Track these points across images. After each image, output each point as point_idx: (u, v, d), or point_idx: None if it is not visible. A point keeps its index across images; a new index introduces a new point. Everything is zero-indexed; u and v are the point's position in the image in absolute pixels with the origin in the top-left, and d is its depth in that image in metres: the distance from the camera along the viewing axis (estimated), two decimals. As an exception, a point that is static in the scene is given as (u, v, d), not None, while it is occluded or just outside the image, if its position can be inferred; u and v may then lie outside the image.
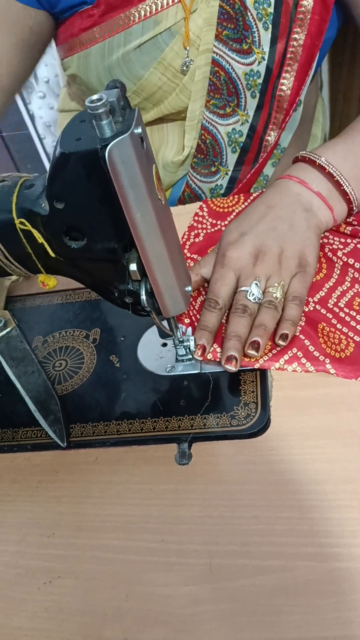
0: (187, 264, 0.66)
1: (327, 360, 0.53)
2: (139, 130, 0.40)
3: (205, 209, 0.74)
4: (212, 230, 0.71)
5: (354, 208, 0.65)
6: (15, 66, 0.82)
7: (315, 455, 0.48)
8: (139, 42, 0.75)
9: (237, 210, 0.73)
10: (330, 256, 0.64)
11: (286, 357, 0.55)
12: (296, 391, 0.53)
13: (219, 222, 0.72)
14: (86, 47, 0.79)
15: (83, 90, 0.88)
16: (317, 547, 0.43)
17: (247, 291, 0.58)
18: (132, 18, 0.75)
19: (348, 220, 0.66)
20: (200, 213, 0.73)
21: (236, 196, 0.76)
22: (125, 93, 0.42)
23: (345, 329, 0.56)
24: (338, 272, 0.62)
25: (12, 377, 0.59)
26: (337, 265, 0.63)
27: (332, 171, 0.63)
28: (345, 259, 0.63)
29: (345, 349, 0.54)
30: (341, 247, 0.65)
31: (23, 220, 0.44)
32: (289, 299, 0.58)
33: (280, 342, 0.55)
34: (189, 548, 0.45)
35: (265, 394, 0.53)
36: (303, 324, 0.57)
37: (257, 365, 0.55)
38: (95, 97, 0.38)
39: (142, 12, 0.74)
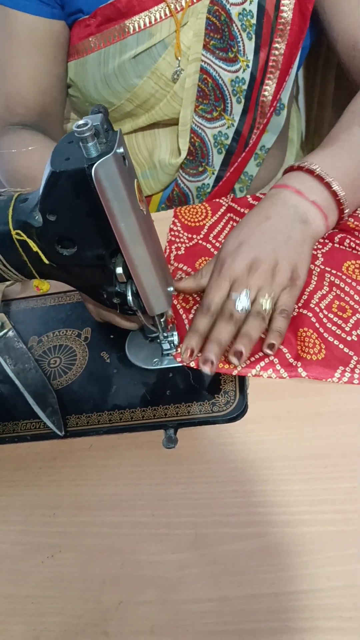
0: (176, 274, 0.71)
1: (299, 364, 0.57)
2: (121, 149, 0.45)
3: (178, 224, 0.77)
4: (191, 244, 0.75)
5: (344, 217, 0.67)
6: (57, 85, 0.88)
7: (287, 435, 0.54)
8: (134, 52, 0.81)
9: (208, 224, 0.76)
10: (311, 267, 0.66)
11: (262, 364, 0.58)
12: (270, 379, 0.58)
13: (194, 236, 0.75)
14: (82, 55, 0.85)
15: (79, 99, 0.92)
16: (289, 515, 0.48)
17: (236, 300, 0.60)
18: (126, 30, 0.80)
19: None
20: (175, 228, 0.77)
21: (203, 207, 0.78)
22: (107, 117, 0.47)
23: (321, 330, 0.60)
24: (315, 278, 0.65)
25: (11, 375, 0.64)
26: (314, 271, 0.66)
27: (329, 181, 0.64)
28: (322, 267, 0.66)
29: (319, 353, 0.58)
30: (320, 247, 0.68)
31: (19, 231, 0.49)
32: (277, 312, 0.60)
33: (268, 351, 0.58)
34: (176, 520, 0.51)
35: (243, 382, 0.59)
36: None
37: (235, 372, 0.59)
38: (81, 122, 0.43)
39: (137, 25, 0.79)
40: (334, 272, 0.65)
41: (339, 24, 0.77)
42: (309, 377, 0.57)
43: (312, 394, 0.56)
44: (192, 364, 0.61)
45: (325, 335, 0.60)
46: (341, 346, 0.58)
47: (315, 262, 0.67)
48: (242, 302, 0.60)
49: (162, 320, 0.60)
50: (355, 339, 0.59)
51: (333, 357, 0.58)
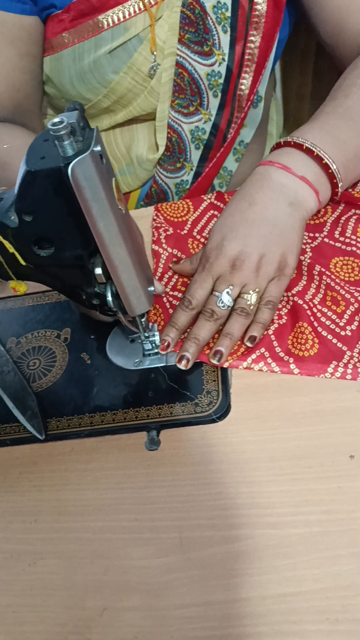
0: (171, 261, 0.70)
1: (291, 360, 0.57)
2: (99, 148, 0.44)
3: (160, 217, 0.76)
4: (177, 230, 0.74)
5: (338, 192, 0.65)
6: (30, 81, 0.86)
7: (271, 435, 0.53)
8: (109, 47, 0.79)
9: (191, 219, 0.75)
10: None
11: (253, 356, 0.58)
12: (253, 379, 0.57)
13: (178, 230, 0.74)
14: (57, 51, 0.83)
15: (55, 95, 0.90)
16: (274, 517, 0.48)
17: (218, 297, 0.60)
18: (100, 25, 0.78)
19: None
20: (158, 219, 0.76)
21: (184, 203, 0.77)
22: (84, 114, 0.46)
23: (315, 324, 0.59)
24: (306, 273, 0.64)
25: (-11, 378, 0.63)
26: (304, 264, 0.64)
27: (320, 154, 0.61)
28: (312, 262, 0.65)
29: (311, 349, 0.57)
30: (310, 241, 0.67)
31: (-6, 232, 0.48)
32: (263, 303, 0.60)
33: (247, 344, 0.58)
34: (160, 524, 0.50)
35: (226, 382, 0.58)
36: (284, 322, 0.60)
37: (226, 365, 0.58)
38: (57, 119, 0.42)
39: (111, 20, 0.78)
40: (322, 270, 0.64)
41: (323, 9, 0.76)
42: (301, 374, 0.56)
43: (296, 394, 0.55)
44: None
45: (320, 329, 0.59)
46: (334, 341, 0.58)
47: (305, 256, 0.66)
48: (224, 300, 0.60)
49: (142, 320, 0.59)
50: (349, 333, 0.58)
51: (326, 352, 0.57)
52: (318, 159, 0.62)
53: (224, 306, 0.60)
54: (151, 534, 0.50)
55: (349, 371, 0.55)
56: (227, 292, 0.60)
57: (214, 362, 0.58)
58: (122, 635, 0.45)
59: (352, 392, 0.54)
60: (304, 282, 0.63)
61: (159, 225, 0.74)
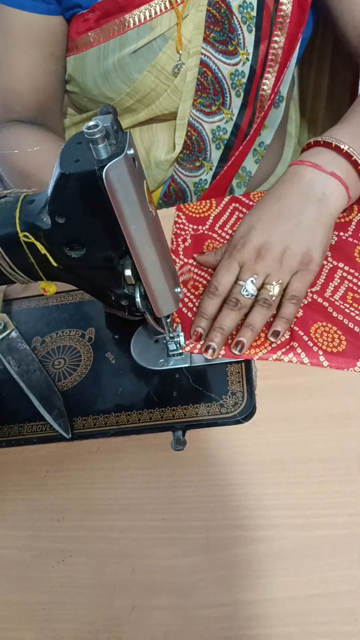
0: (185, 269, 0.71)
1: (321, 353, 0.57)
2: (132, 151, 0.44)
3: (182, 217, 0.77)
4: (197, 233, 0.75)
5: None
6: (53, 82, 0.86)
7: (298, 437, 0.53)
8: (134, 47, 0.79)
9: (212, 215, 0.76)
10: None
11: (284, 349, 0.59)
12: (278, 380, 0.58)
13: (200, 227, 0.75)
14: (82, 50, 0.83)
15: (77, 94, 0.91)
16: (302, 519, 0.48)
17: (242, 286, 0.61)
18: (126, 24, 0.78)
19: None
20: (179, 221, 0.77)
21: (207, 201, 0.78)
22: (117, 117, 0.46)
23: (340, 317, 0.60)
24: (326, 272, 0.65)
25: (15, 376, 0.63)
26: (325, 267, 0.65)
27: (349, 151, 0.62)
28: (333, 262, 0.65)
29: (339, 346, 0.58)
30: (335, 239, 0.68)
31: (27, 233, 0.49)
32: (287, 297, 0.60)
33: (271, 339, 0.59)
34: (187, 524, 0.50)
35: (251, 383, 0.58)
36: (300, 315, 0.61)
37: (256, 357, 0.59)
38: (91, 123, 0.42)
39: (137, 19, 0.78)
40: (343, 266, 0.65)
41: (350, 7, 0.76)
42: (330, 366, 0.57)
43: (321, 396, 0.55)
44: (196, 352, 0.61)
45: (345, 321, 0.59)
46: None
47: (328, 259, 0.66)
48: (248, 288, 0.61)
49: (168, 320, 0.59)
50: None
51: (354, 347, 0.57)
52: (347, 156, 0.63)
53: (247, 295, 0.61)
54: (178, 533, 0.50)
55: None
56: (252, 281, 0.61)
57: (236, 352, 0.59)
58: (152, 633, 0.45)
59: (378, 395, 0.54)
60: (322, 281, 0.64)
61: (179, 228, 0.75)
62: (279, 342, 0.59)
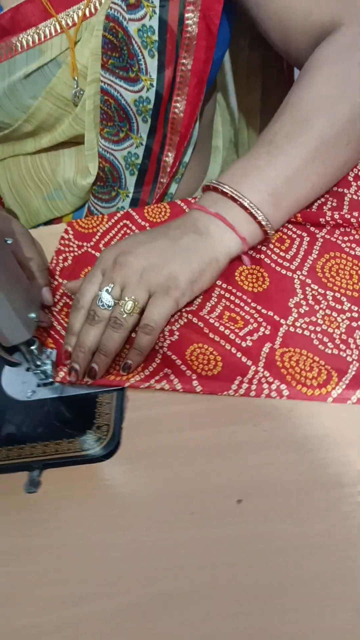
0: (60, 290, 0.66)
1: (194, 377, 0.53)
2: None
3: (70, 232, 0.73)
4: (80, 252, 0.71)
5: (269, 226, 0.61)
6: None
7: (160, 474, 0.49)
8: (24, 72, 0.75)
9: (101, 231, 0.72)
10: None
11: (157, 377, 0.55)
12: (149, 410, 0.53)
13: (84, 244, 0.71)
14: None
15: None
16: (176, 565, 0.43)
17: (98, 296, 0.57)
18: (13, 47, 0.74)
19: None
20: (66, 236, 0.73)
21: (100, 216, 0.75)
22: None
23: (216, 338, 0.56)
24: (202, 294, 0.61)
25: None
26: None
27: (233, 194, 0.60)
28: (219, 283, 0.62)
29: (214, 369, 0.54)
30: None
31: None
32: (141, 326, 0.55)
33: (122, 372, 0.55)
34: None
35: (120, 416, 0.53)
36: (175, 339, 0.56)
37: (127, 384, 0.55)
38: None
39: (25, 42, 0.74)
40: (221, 284, 0.61)
41: (267, 18, 0.74)
42: (204, 392, 0.53)
43: (188, 429, 0.51)
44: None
45: (220, 341, 0.55)
46: (239, 355, 0.54)
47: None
48: (103, 298, 0.56)
49: (32, 348, 0.54)
50: (250, 344, 0.55)
51: (229, 368, 0.54)
52: (233, 199, 0.60)
53: (103, 306, 0.56)
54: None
55: (253, 387, 0.52)
56: (107, 290, 0.56)
57: (87, 379, 0.55)
58: None
59: (248, 427, 0.49)
60: (199, 301, 0.60)
61: (64, 245, 0.71)
62: (140, 372, 0.55)
